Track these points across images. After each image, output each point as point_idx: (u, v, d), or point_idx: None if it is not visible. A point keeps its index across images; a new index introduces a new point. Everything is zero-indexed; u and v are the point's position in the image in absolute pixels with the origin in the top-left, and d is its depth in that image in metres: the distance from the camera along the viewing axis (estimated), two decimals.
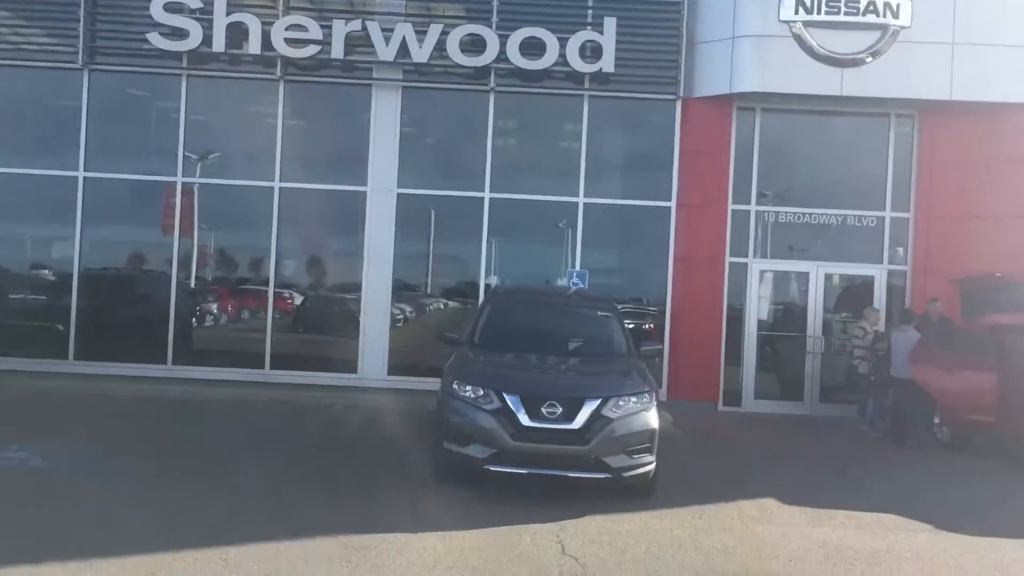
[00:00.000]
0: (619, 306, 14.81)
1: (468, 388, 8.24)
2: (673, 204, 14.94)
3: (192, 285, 15.25)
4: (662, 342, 14.78)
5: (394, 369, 14.88)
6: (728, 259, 14.91)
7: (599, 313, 10.04)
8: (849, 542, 7.59)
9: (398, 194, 14.87)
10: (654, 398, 8.41)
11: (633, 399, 8.26)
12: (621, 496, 8.40)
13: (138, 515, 7.26)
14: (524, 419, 7.97)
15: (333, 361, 15.04)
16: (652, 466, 8.25)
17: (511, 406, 8.02)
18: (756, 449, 11.67)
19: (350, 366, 14.86)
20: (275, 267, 14.96)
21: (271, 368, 14.85)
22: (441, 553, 6.63)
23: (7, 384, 13.17)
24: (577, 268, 14.87)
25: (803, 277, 15.03)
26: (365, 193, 14.90)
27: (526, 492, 8.28)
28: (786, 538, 7.60)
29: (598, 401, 8.09)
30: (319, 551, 6.48)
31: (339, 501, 7.90)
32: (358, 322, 14.98)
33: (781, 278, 15.20)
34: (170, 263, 14.84)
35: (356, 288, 15.09)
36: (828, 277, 15.05)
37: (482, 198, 14.88)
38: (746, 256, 14.95)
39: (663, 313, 15.00)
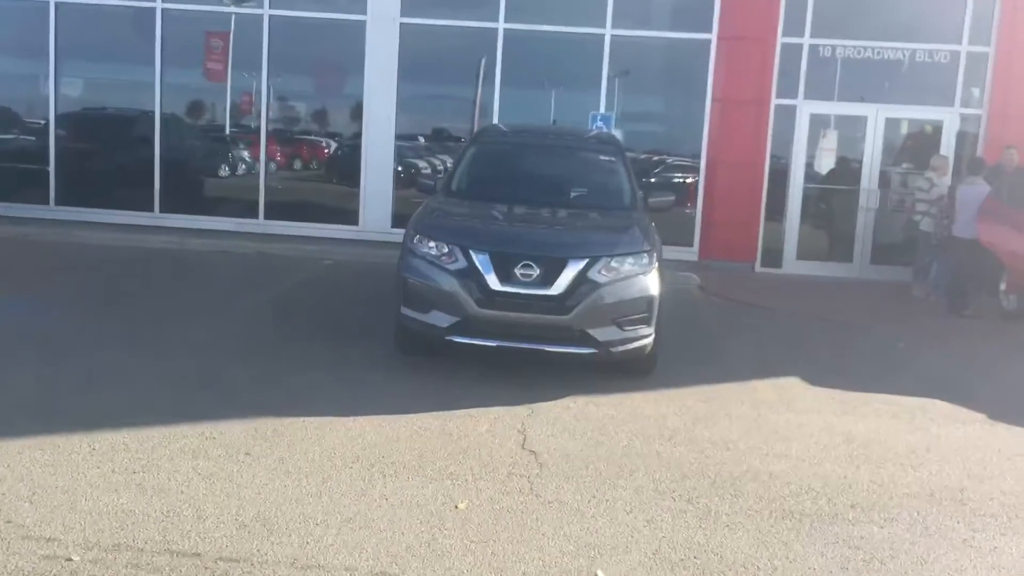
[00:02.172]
0: (629, 151, 13.43)
1: (431, 244, 6.89)
2: (713, 36, 13.05)
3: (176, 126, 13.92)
4: (695, 194, 13.29)
5: (398, 221, 13.51)
6: (774, 101, 13.09)
7: (601, 157, 8.48)
8: (881, 435, 6.25)
9: (401, 24, 13.19)
10: (654, 259, 6.97)
11: (630, 260, 6.84)
12: (613, 375, 7.12)
13: (20, 383, 6.19)
14: (493, 282, 6.62)
15: (332, 212, 13.81)
16: (649, 340, 6.91)
17: (478, 266, 6.66)
18: (788, 317, 10.25)
19: (351, 217, 13.60)
20: (266, 109, 13.54)
21: (265, 218, 13.67)
22: (369, 443, 5.45)
23: None
24: (601, 111, 13.20)
25: (860, 122, 13.16)
26: (364, 23, 13.24)
27: (499, 367, 7.04)
28: (803, 429, 6.28)
29: (584, 262, 6.68)
30: (221, 438, 5.34)
31: (274, 375, 6.75)
32: (358, 170, 13.62)
33: (834, 123, 13.33)
34: (153, 101, 13.49)
35: (356, 134, 13.65)
36: (889, 122, 13.14)
37: (495, 29, 13.14)
38: (795, 98, 13.10)
39: (697, 163, 13.37)
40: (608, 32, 13.08)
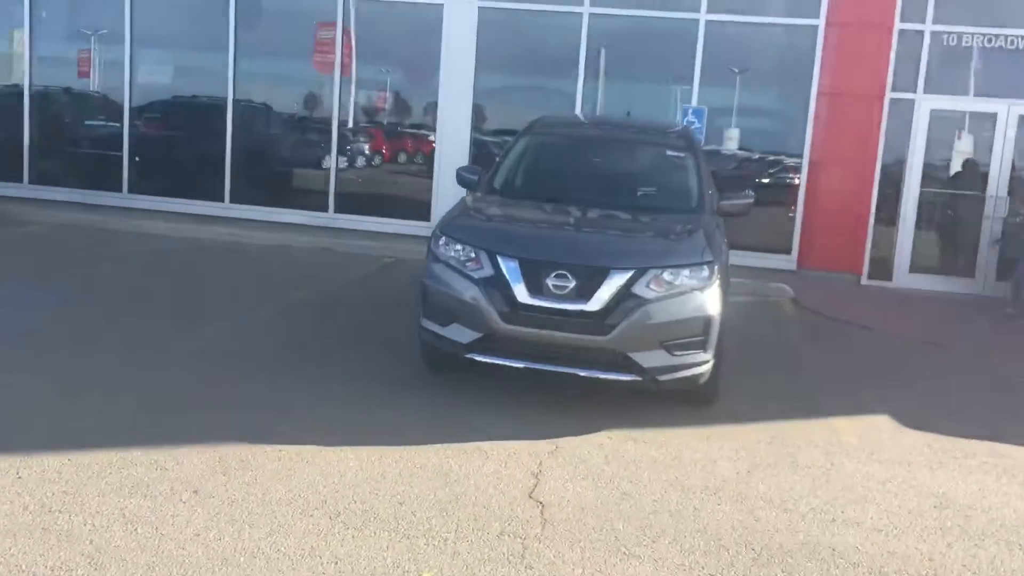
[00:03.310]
0: (720, 149, 12.30)
1: (456, 247, 6.02)
2: (821, 22, 11.75)
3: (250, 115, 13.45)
4: (795, 196, 12.04)
5: None
6: (889, 95, 11.68)
7: (668, 152, 7.42)
8: (986, 499, 5.07)
9: (479, 8, 12.37)
10: (716, 272, 5.91)
11: (685, 273, 5.81)
12: (665, 403, 6.12)
13: None
14: (521, 293, 5.70)
15: (405, 206, 13.06)
16: (705, 368, 5.86)
17: (506, 274, 5.75)
18: (891, 340, 8.95)
19: (423, 213, 12.85)
20: (339, 97, 12.91)
21: (335, 212, 13.08)
22: (346, 482, 4.62)
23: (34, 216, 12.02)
24: (693, 104, 12.07)
25: (988, 119, 11.62)
26: (441, 7, 12.48)
27: (534, 390, 6.14)
28: (886, 486, 5.14)
29: (628, 273, 5.69)
30: (173, 470, 4.59)
31: (275, 389, 6.00)
32: (432, 163, 12.89)
33: (958, 120, 11.80)
34: (226, 89, 13.05)
35: (430, 126, 12.91)
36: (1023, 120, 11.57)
37: (580, 14, 12.18)
38: (913, 91, 11.67)
39: (799, 162, 12.11)
40: (703, 17, 11.95)
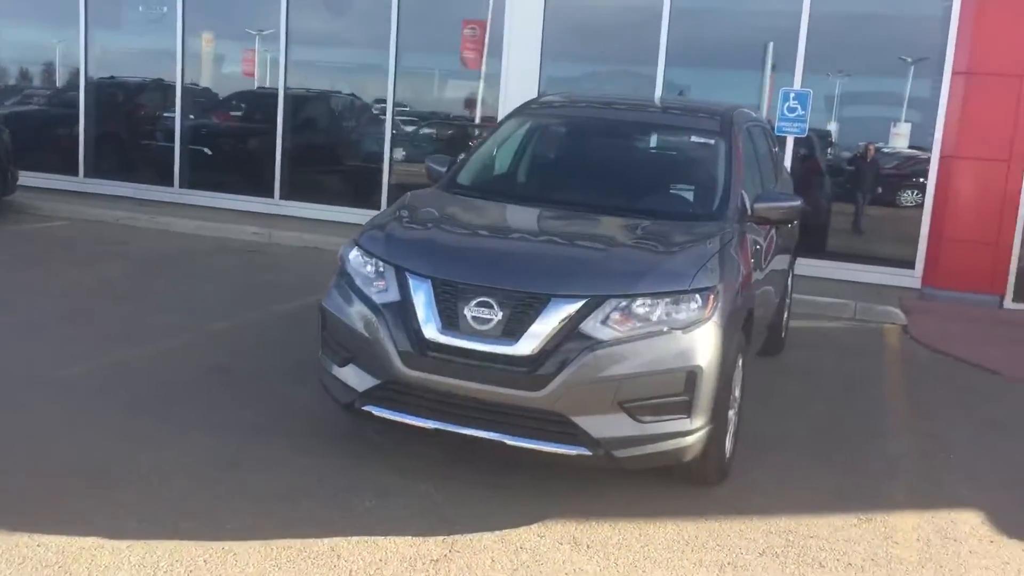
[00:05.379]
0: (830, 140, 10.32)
1: (365, 260, 4.51)
2: None
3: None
4: (920, 199, 9.90)
5: None
6: None
7: (692, 139, 5.60)
8: None
9: None
10: (713, 303, 4.15)
11: (665, 303, 4.08)
12: (652, 478, 4.43)
13: None
14: (430, 327, 4.12)
15: None
16: (691, 440, 4.11)
17: (413, 300, 4.19)
18: (1018, 391, 6.78)
19: None
20: (393, 87, 11.58)
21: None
22: None
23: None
24: (797, 87, 10.07)
25: None
26: None
27: (470, 448, 4.54)
28: None
29: (577, 303, 4.03)
30: None
31: (103, 448, 4.66)
32: None
33: None
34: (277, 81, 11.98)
35: (491, 119, 11.41)
36: None
37: (660, 4, 10.39)
38: None
39: (926, 157, 9.93)
40: (807, 5, 9.96)
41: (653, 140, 5.86)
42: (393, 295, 4.28)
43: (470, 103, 12.08)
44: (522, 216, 5.00)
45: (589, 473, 4.45)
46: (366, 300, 4.34)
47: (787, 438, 5.33)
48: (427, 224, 4.74)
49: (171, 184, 12.40)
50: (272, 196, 12.04)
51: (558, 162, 5.66)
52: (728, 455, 4.58)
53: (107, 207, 11.47)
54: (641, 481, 4.45)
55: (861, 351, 7.56)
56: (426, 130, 12.26)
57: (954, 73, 9.63)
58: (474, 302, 4.09)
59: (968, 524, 4.36)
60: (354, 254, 4.59)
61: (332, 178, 12.42)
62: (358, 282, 4.45)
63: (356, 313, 4.35)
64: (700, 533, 4.06)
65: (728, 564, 3.82)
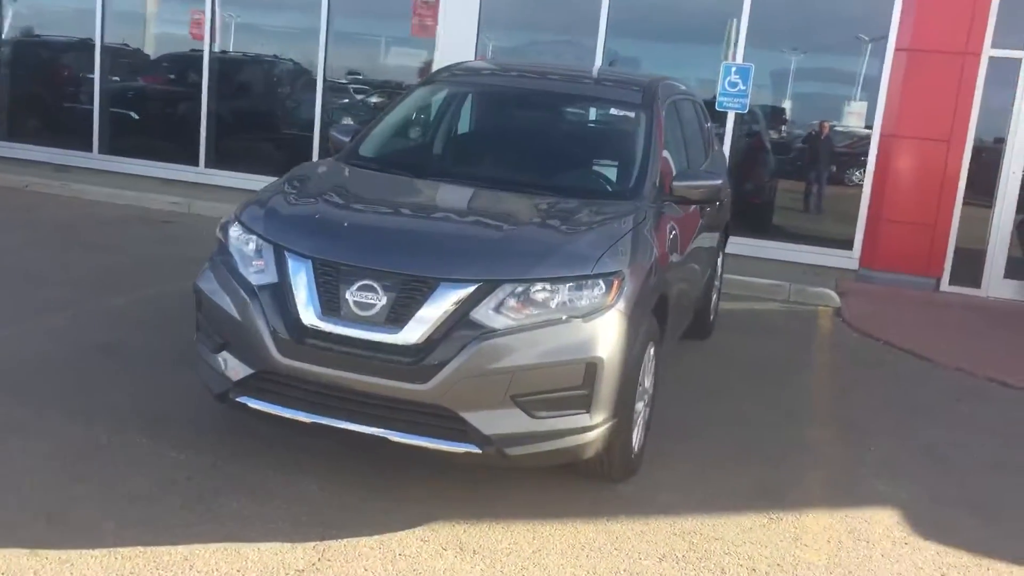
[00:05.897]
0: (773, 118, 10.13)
1: (244, 236, 4.13)
2: None
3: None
4: (859, 178, 9.72)
5: None
6: (988, 51, 9.10)
7: (612, 111, 5.28)
8: None
9: None
10: (618, 289, 3.84)
11: (567, 289, 3.77)
12: (553, 476, 4.13)
13: None
14: (308, 312, 3.77)
15: None
16: (591, 437, 3.81)
17: (292, 282, 3.83)
18: (949, 379, 6.61)
19: None
20: (325, 52, 11.06)
21: None
22: None
23: None
24: (737, 61, 9.78)
25: None
26: None
27: (360, 446, 4.21)
28: None
29: (468, 288, 3.70)
30: None
31: None
32: None
33: None
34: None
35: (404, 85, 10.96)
36: None
37: None
38: (1021, 48, 9.07)
39: (865, 136, 9.72)
40: None
41: (570, 112, 5.52)
42: (271, 276, 3.91)
43: (408, 71, 11.62)
44: (421, 192, 4.65)
45: (489, 472, 4.14)
46: (242, 281, 3.97)
47: (704, 428, 5.07)
48: (313, 199, 4.36)
49: (90, 149, 11.81)
50: (197, 164, 11.51)
51: (468, 134, 5.31)
52: (636, 450, 4.30)
53: (18, 172, 10.86)
54: (543, 480, 4.17)
55: (791, 335, 7.35)
56: (360, 97, 11.78)
57: (896, 50, 9.42)
58: (356, 286, 3.75)
59: (882, 524, 4.13)
60: (235, 230, 4.21)
61: (260, 146, 11.86)
62: (236, 261, 4.08)
63: (231, 295, 3.97)
64: (599, 536, 3.78)
65: (624, 571, 3.54)
